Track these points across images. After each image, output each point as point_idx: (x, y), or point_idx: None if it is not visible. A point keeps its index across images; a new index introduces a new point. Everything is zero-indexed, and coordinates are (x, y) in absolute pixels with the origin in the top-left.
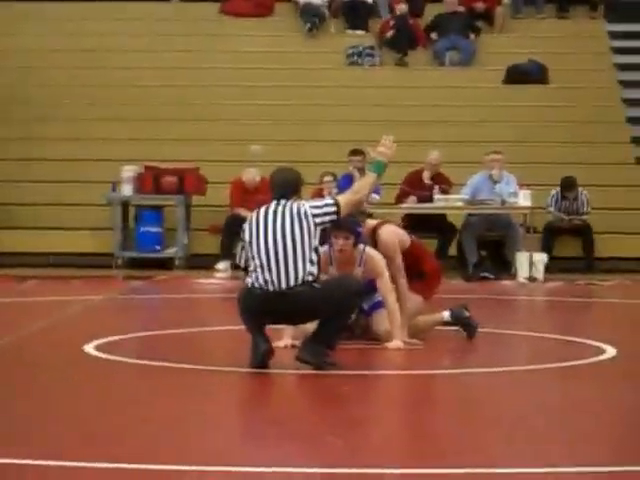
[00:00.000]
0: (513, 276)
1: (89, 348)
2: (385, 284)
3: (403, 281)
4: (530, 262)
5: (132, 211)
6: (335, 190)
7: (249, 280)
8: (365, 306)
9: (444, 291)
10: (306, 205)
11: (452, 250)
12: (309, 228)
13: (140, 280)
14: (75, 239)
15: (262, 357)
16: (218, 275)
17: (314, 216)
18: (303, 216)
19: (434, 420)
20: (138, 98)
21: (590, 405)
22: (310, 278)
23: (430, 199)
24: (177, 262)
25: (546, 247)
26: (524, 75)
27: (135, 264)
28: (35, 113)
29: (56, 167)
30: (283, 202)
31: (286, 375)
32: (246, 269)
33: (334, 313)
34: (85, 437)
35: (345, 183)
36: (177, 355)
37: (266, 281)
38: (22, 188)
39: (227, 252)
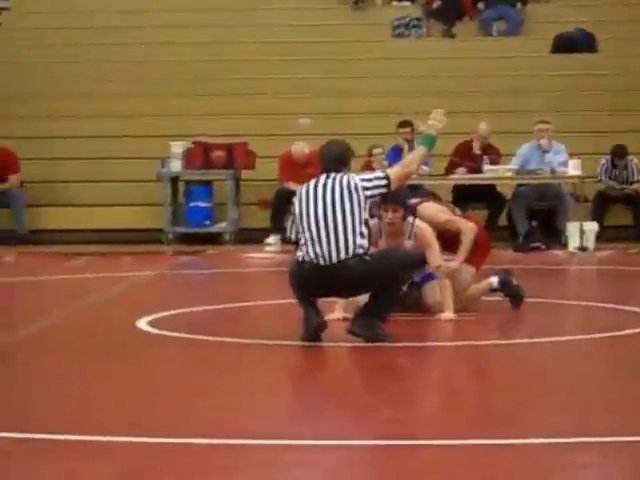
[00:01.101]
0: (564, 246)
1: (141, 323)
2: (435, 256)
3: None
4: (581, 231)
5: (181, 186)
6: (385, 162)
7: (299, 254)
8: (416, 278)
9: (495, 262)
10: (356, 178)
11: (502, 221)
12: (359, 201)
13: (190, 255)
14: (125, 215)
15: (314, 330)
16: (268, 249)
17: (364, 189)
18: (353, 189)
19: (486, 391)
20: (181, 74)
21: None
22: (361, 251)
23: (479, 170)
24: (227, 237)
25: (597, 216)
26: (572, 44)
27: (185, 239)
28: (81, 89)
29: (104, 143)
30: (333, 175)
31: (338, 348)
32: (297, 243)
33: (385, 285)
34: (137, 412)
35: (394, 155)
36: (229, 329)
37: (317, 255)
38: (71, 165)
39: (277, 226)
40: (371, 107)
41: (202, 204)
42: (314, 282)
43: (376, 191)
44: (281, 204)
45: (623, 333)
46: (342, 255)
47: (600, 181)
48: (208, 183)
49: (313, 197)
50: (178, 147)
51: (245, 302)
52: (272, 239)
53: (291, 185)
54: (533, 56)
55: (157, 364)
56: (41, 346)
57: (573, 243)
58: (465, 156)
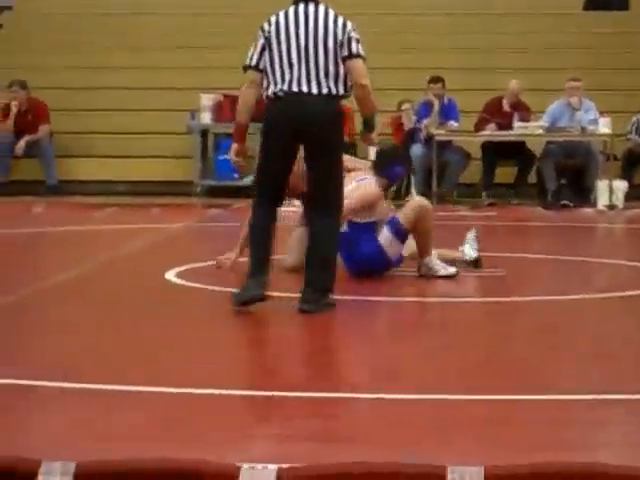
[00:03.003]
0: (593, 204)
1: (170, 275)
2: None
3: None
4: (610, 190)
5: (211, 139)
6: (414, 117)
7: (270, 90)
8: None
9: (524, 219)
10: (342, 18)
11: (531, 178)
12: (340, 40)
13: (219, 208)
14: (155, 167)
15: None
16: (296, 202)
17: (349, 33)
18: (340, 26)
19: (518, 347)
20: (213, 26)
21: None
22: (334, 92)
23: (509, 126)
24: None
25: (626, 174)
26: (604, 0)
27: (214, 192)
28: (112, 41)
29: (135, 95)
30: (314, 4)
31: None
32: (253, 67)
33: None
34: (166, 363)
35: (424, 110)
36: None
37: (289, 81)
38: (104, 117)
39: None
40: (402, 62)
41: None
42: (288, 116)
43: (352, 45)
44: None
45: None
46: (314, 87)
47: (629, 139)
48: None
49: (294, 22)
50: (208, 100)
51: (273, 255)
52: None
53: None
54: (565, 13)
55: (185, 316)
56: (70, 296)
57: (602, 201)
58: (495, 113)
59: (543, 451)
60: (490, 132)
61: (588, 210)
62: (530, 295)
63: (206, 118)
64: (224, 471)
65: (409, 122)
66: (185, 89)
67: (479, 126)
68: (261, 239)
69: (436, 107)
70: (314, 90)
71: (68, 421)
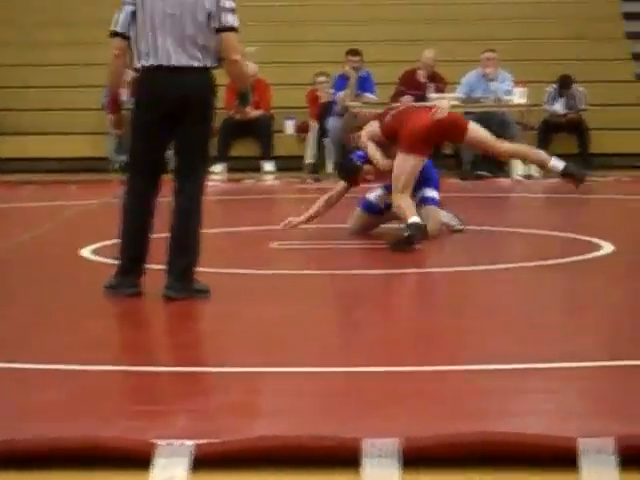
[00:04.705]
0: (509, 174)
1: (85, 252)
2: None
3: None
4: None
5: (128, 115)
6: (331, 90)
7: (138, 64)
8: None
9: (440, 190)
10: None
11: (448, 149)
12: (212, 11)
13: None
14: (71, 144)
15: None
16: (213, 177)
17: (221, 1)
18: None
19: (431, 318)
20: None
21: (587, 300)
22: (205, 64)
23: (425, 98)
24: (172, 165)
25: (543, 145)
26: None
27: None
28: (32, 18)
29: (52, 72)
30: None
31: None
32: (117, 35)
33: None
34: (72, 340)
35: (341, 83)
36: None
37: (156, 50)
38: (19, 94)
39: (223, 154)
40: (316, 35)
41: None
42: (161, 92)
43: (219, 17)
44: (228, 133)
45: (568, 260)
46: (183, 59)
47: (545, 110)
48: None
49: None
50: (126, 76)
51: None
52: (218, 167)
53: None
54: None
55: (95, 291)
56: None
57: (518, 171)
58: (410, 84)
59: (463, 421)
60: (406, 103)
61: (505, 180)
62: (447, 266)
63: (122, 94)
64: (141, 448)
65: (325, 95)
66: (100, 65)
67: (395, 98)
68: (135, 228)
69: (353, 79)
70: (184, 62)
71: None
